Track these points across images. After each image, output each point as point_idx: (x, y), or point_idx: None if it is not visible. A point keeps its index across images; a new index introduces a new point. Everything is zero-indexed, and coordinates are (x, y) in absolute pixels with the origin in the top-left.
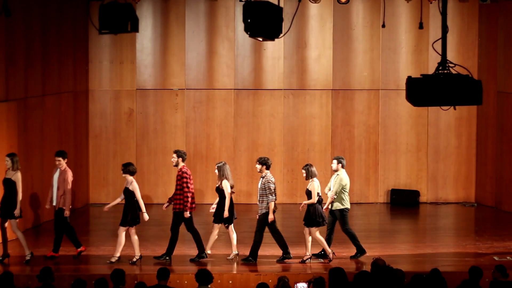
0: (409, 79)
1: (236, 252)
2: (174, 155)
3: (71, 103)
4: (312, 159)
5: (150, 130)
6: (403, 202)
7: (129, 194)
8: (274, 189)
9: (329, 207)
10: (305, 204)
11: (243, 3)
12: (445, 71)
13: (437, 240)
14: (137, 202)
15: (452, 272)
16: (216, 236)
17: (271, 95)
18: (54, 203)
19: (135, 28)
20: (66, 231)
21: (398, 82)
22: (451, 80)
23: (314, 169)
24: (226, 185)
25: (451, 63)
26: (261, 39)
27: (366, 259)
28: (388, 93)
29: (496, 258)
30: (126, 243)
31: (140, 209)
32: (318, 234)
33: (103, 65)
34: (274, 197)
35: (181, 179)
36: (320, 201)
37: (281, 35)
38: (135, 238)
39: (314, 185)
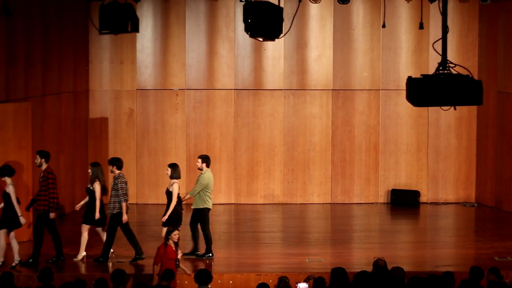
0: (410, 79)
1: (85, 253)
2: (38, 156)
3: (71, 103)
4: (312, 159)
5: (150, 130)
6: (404, 202)
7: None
8: (127, 190)
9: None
10: (172, 207)
11: (243, 3)
12: (446, 71)
13: (437, 240)
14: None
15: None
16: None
17: (271, 95)
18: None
19: (136, 28)
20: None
21: (399, 82)
22: (452, 80)
23: (179, 170)
24: (175, 188)
25: (451, 63)
26: (261, 39)
27: (367, 259)
28: (388, 93)
29: (496, 258)
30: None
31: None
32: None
33: (103, 65)
34: (127, 198)
35: (47, 180)
36: (179, 202)
37: (282, 35)
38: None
39: (175, 187)
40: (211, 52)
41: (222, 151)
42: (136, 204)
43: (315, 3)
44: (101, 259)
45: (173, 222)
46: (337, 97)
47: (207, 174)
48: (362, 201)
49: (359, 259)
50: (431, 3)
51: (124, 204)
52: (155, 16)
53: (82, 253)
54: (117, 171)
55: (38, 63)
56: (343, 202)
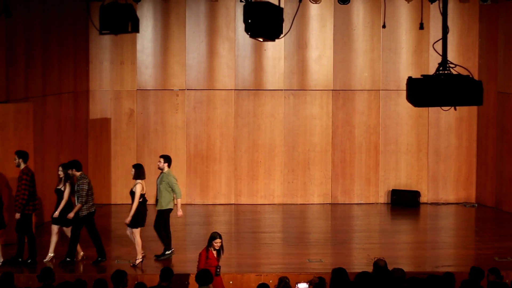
0: (410, 80)
1: (53, 254)
2: (16, 156)
3: (72, 104)
4: (312, 159)
5: (150, 130)
6: (404, 202)
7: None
8: (87, 191)
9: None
10: (135, 207)
11: (243, 3)
12: (446, 72)
13: (437, 240)
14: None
15: (452, 272)
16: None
17: (271, 96)
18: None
19: (136, 29)
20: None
21: (399, 82)
22: (452, 80)
23: (143, 170)
24: (138, 188)
25: (451, 63)
26: (261, 40)
27: (367, 259)
28: (388, 93)
29: (496, 258)
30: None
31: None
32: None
33: (103, 66)
34: (84, 199)
35: (20, 180)
36: (144, 202)
37: (282, 35)
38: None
39: (138, 188)
40: (211, 52)
41: (222, 151)
42: None
43: (315, 3)
44: (67, 259)
45: (138, 222)
46: (337, 98)
47: (171, 174)
48: (362, 202)
49: (360, 259)
50: (431, 4)
51: (79, 205)
52: (155, 17)
53: (51, 254)
54: (78, 173)
55: (38, 63)
56: (343, 202)
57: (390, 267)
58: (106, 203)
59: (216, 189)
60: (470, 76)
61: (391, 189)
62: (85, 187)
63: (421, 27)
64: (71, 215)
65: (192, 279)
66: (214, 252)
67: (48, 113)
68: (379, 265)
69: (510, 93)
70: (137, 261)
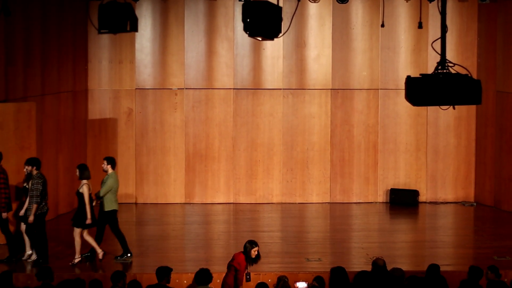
0: (408, 79)
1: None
2: None
3: (70, 103)
4: (311, 158)
5: (149, 129)
6: (402, 201)
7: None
8: (41, 192)
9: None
10: (88, 207)
11: (242, 2)
12: (444, 71)
13: (436, 239)
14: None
15: (451, 271)
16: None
17: (270, 95)
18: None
19: (134, 28)
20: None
21: (397, 81)
22: (450, 79)
23: (87, 170)
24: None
25: (450, 62)
26: (260, 39)
27: (366, 258)
28: (387, 92)
29: (495, 257)
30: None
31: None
32: (79, 234)
33: (102, 65)
34: (39, 199)
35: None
36: (91, 202)
37: (280, 34)
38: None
39: (84, 188)
40: (210, 51)
41: (221, 150)
42: (136, 203)
43: (314, 2)
44: (40, 260)
45: (79, 223)
46: (336, 97)
47: (113, 176)
48: (361, 201)
49: (358, 258)
50: (430, 3)
51: (34, 206)
52: (154, 16)
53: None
54: (35, 171)
55: (37, 62)
56: (342, 201)
57: (389, 266)
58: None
59: (214, 188)
60: (469, 75)
61: (389, 188)
62: (40, 187)
63: (420, 26)
64: (31, 218)
65: (190, 278)
66: (246, 259)
67: (47, 112)
68: (378, 264)
69: (509, 92)
70: (75, 260)
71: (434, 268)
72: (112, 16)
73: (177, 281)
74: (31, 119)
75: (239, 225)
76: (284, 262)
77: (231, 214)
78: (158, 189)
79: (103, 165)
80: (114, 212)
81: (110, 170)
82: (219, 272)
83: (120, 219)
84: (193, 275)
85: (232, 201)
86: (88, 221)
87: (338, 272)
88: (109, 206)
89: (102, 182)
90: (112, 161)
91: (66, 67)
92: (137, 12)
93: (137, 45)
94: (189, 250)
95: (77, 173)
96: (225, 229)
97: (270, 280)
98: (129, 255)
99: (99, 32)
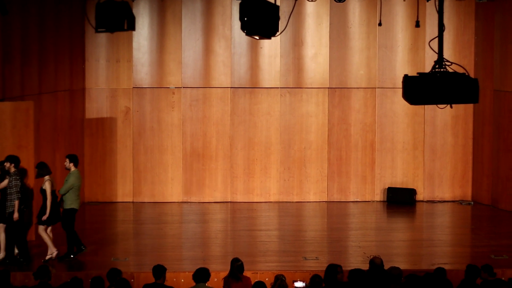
0: (406, 78)
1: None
2: None
3: (68, 102)
4: (308, 157)
5: (146, 128)
6: (400, 200)
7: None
8: (20, 187)
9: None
10: (49, 205)
11: (239, 1)
12: (442, 70)
13: (433, 238)
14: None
15: (448, 270)
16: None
17: (267, 94)
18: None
19: (132, 27)
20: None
21: (395, 80)
22: (448, 78)
23: (47, 167)
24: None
25: (447, 61)
26: (257, 38)
27: (363, 257)
28: (384, 91)
29: (492, 256)
30: None
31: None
32: (44, 231)
33: (99, 64)
34: (20, 195)
35: None
36: (54, 198)
37: (278, 33)
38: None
39: (47, 184)
40: (208, 50)
41: (219, 149)
42: (133, 202)
43: (311, 1)
44: (21, 259)
45: (51, 219)
46: (334, 95)
47: (76, 174)
48: (358, 199)
49: (355, 257)
50: (427, 1)
51: (16, 202)
52: (151, 14)
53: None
54: (13, 169)
55: (34, 61)
56: (339, 200)
57: (386, 265)
58: (102, 201)
59: (212, 187)
60: (466, 74)
61: (387, 187)
62: (19, 183)
63: (417, 25)
64: (15, 215)
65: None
66: None
67: (44, 111)
68: (375, 263)
69: (506, 91)
70: (47, 257)
71: (440, 271)
72: (109, 14)
73: (174, 279)
74: (29, 118)
75: (236, 223)
76: (281, 260)
77: (228, 213)
78: (156, 187)
79: (65, 163)
80: (73, 211)
81: (72, 168)
82: (216, 270)
83: (118, 217)
84: (190, 274)
85: (229, 200)
86: (45, 217)
87: (333, 269)
88: (69, 204)
89: (65, 180)
90: (75, 159)
91: (64, 65)
92: (134, 11)
93: (135, 44)
94: (186, 248)
95: (35, 173)
96: (222, 227)
97: (268, 279)
98: (72, 256)
99: (96, 31)
